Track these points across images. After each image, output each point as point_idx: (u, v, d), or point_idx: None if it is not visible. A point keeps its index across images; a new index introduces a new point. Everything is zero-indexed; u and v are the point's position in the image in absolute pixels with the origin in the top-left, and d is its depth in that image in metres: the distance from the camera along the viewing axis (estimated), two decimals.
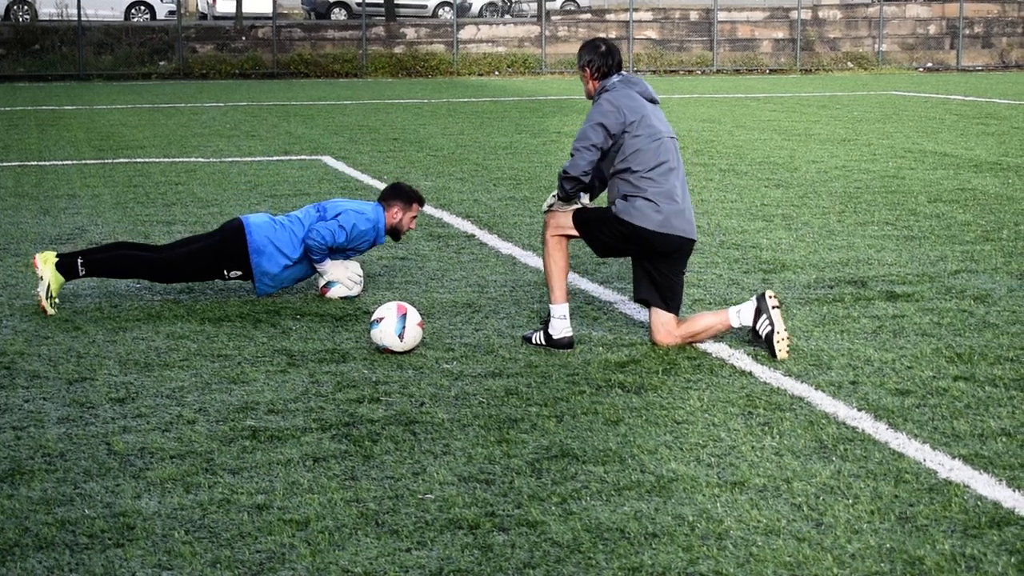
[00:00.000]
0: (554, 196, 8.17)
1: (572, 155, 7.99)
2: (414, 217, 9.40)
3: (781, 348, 7.70)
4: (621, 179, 8.00)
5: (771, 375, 7.29)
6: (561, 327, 8.01)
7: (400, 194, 9.35)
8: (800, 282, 9.61)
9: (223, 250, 9.08)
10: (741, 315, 7.90)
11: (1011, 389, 7.00)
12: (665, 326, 8.02)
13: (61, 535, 5.20)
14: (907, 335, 8.12)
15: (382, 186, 14.53)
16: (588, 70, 8.16)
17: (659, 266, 8.01)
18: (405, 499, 5.54)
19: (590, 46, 8.23)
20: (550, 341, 8.02)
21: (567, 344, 7.99)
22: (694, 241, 8.11)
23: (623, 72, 8.21)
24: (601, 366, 7.50)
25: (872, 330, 8.25)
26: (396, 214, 9.28)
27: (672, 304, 8.04)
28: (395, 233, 9.35)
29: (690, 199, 8.18)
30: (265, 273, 9.09)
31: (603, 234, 8.04)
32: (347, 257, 9.28)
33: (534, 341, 8.07)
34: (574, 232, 8.09)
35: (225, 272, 9.11)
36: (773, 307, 7.76)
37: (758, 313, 7.82)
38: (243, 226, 9.13)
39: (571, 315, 8.58)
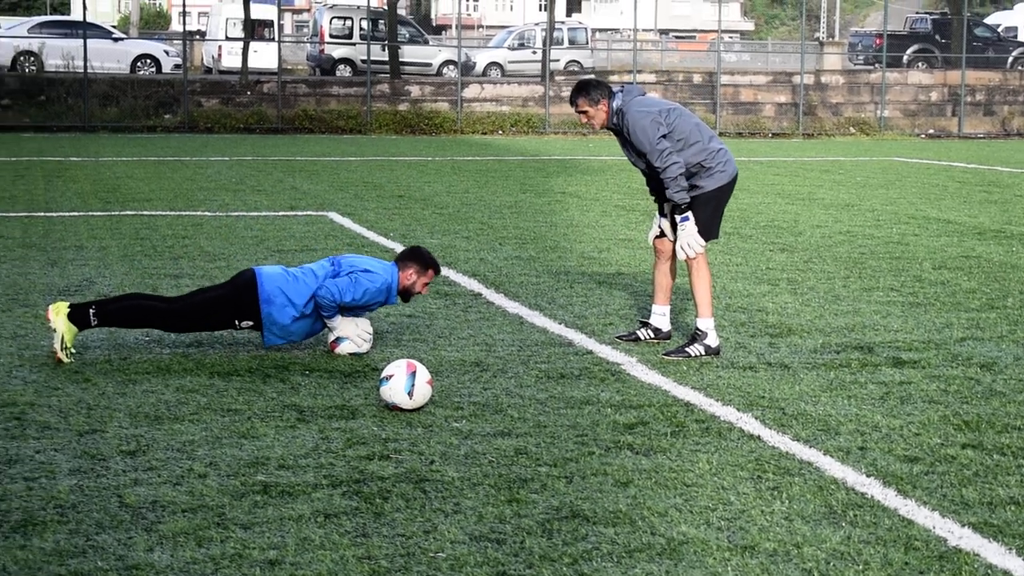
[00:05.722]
0: (658, 225, 9.56)
1: (667, 164, 9.16)
2: (427, 283, 9.42)
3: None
4: (690, 160, 9.30)
5: (780, 439, 7.31)
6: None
7: (418, 258, 9.39)
8: (807, 347, 9.64)
9: (235, 300, 9.10)
10: (657, 321, 9.75)
11: (1019, 457, 7.01)
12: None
13: None
14: (914, 401, 8.14)
15: (388, 243, 14.69)
16: (604, 101, 9.29)
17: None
18: (416, 557, 5.55)
19: (591, 84, 9.44)
20: (709, 351, 9.30)
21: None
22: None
23: (610, 87, 9.48)
24: (610, 427, 7.52)
25: (879, 396, 8.27)
26: (411, 275, 9.30)
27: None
28: (406, 294, 9.35)
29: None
30: (275, 323, 9.10)
31: (717, 216, 9.45)
32: (357, 315, 9.29)
33: (693, 353, 9.29)
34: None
35: (236, 322, 9.14)
36: (640, 336, 9.72)
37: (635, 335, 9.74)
38: (255, 276, 9.16)
39: (579, 376, 8.66)
